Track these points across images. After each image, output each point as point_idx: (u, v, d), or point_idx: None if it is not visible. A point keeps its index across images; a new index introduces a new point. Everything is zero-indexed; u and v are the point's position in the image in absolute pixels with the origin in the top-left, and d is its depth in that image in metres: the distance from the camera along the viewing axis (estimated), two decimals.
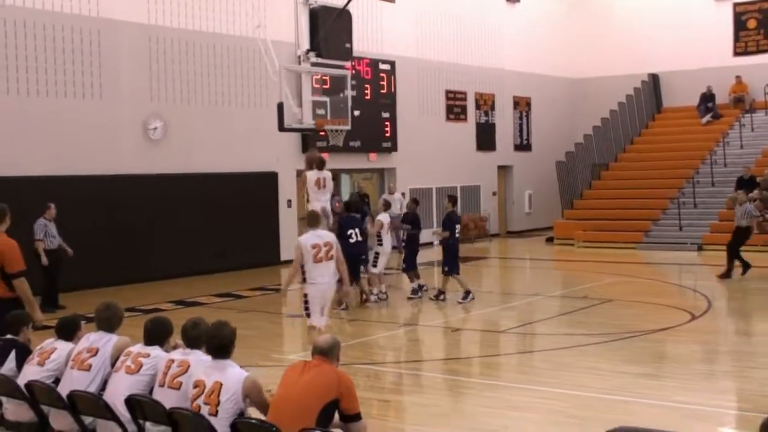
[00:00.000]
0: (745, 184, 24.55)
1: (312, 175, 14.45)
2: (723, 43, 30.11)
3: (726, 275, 17.80)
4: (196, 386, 5.59)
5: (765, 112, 28.53)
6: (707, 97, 29.86)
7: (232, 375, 5.61)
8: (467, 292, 15.56)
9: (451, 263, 15.69)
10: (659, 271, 20.89)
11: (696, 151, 27.89)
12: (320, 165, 14.64)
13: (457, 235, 15.90)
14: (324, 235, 10.24)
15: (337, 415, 5.61)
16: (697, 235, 23.88)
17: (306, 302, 10.39)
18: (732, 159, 26.75)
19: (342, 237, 14.15)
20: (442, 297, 15.70)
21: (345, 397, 5.55)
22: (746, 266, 17.90)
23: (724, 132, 28.64)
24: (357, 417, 5.63)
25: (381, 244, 15.97)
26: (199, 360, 5.82)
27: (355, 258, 14.69)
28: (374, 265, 15.90)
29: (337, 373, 5.66)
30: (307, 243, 10.03)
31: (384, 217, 16.07)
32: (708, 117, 29.60)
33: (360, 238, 15.05)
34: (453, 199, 16.30)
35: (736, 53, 30.10)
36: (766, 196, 23.03)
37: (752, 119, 28.35)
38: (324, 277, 10.15)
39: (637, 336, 12.21)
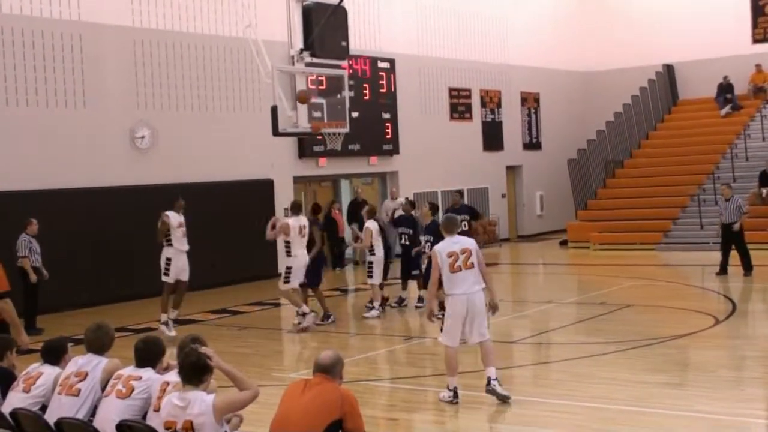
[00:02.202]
0: None
1: (294, 223, 14.44)
2: (741, 30, 30.11)
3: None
4: (167, 428, 5.49)
5: None
6: (725, 88, 29.86)
7: (198, 409, 5.46)
8: (419, 299, 15.81)
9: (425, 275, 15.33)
10: (680, 273, 20.87)
11: (715, 144, 27.89)
12: (296, 210, 14.63)
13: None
14: (462, 242, 9.68)
15: None
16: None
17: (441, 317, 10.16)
18: (754, 152, 26.74)
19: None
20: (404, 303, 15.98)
21: (349, 416, 5.56)
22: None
23: (744, 124, 28.65)
24: None
25: (373, 253, 15.83)
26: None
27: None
28: (370, 276, 15.86)
29: (340, 391, 5.67)
30: (443, 251, 9.58)
31: (372, 225, 15.92)
32: (727, 108, 29.61)
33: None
34: (434, 207, 15.86)
35: (755, 40, 30.11)
36: None
37: None
38: (463, 287, 9.50)
39: (658, 343, 12.20)
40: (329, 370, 5.74)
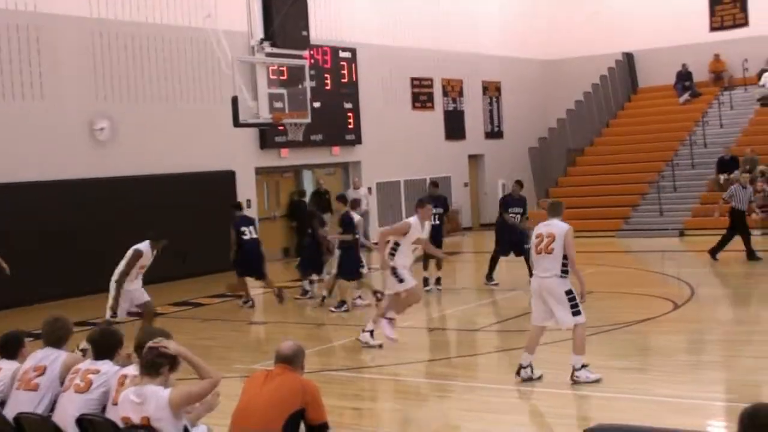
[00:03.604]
0: (726, 165, 24.88)
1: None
2: (698, 19, 30.39)
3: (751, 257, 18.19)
4: (124, 423, 5.45)
5: (744, 89, 28.89)
6: (684, 75, 30.15)
7: (155, 404, 5.41)
8: (342, 302, 15.21)
9: (343, 268, 15.32)
10: (641, 259, 21.06)
11: (674, 132, 28.16)
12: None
13: (357, 236, 15.51)
14: (553, 225, 9.65)
15: (303, 426, 5.60)
16: (679, 220, 24.13)
17: None
18: (712, 139, 27.04)
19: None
20: (344, 307, 15.23)
21: (311, 406, 5.54)
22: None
23: (703, 111, 28.96)
24: (324, 427, 5.62)
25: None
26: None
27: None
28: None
29: (301, 381, 5.65)
30: (534, 232, 9.76)
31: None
32: (686, 96, 29.90)
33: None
34: (344, 199, 16.04)
35: (713, 28, 30.41)
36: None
37: (731, 97, 28.70)
38: (538, 270, 9.65)
39: (618, 328, 12.30)
40: (291, 360, 5.72)
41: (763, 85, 28.24)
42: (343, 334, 13.28)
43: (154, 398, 5.43)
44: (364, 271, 15.77)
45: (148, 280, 19.18)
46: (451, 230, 27.33)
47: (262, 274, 16.17)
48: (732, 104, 28.48)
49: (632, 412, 8.37)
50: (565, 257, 9.46)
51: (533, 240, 9.74)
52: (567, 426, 8.21)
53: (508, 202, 17.31)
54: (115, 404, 5.75)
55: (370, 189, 25.54)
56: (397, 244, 11.70)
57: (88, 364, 6.13)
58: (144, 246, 12.63)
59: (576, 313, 9.54)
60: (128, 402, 5.49)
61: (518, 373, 9.61)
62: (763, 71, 28.75)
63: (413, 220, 11.92)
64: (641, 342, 11.83)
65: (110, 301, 12.45)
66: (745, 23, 29.81)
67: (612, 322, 12.65)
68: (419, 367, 11.02)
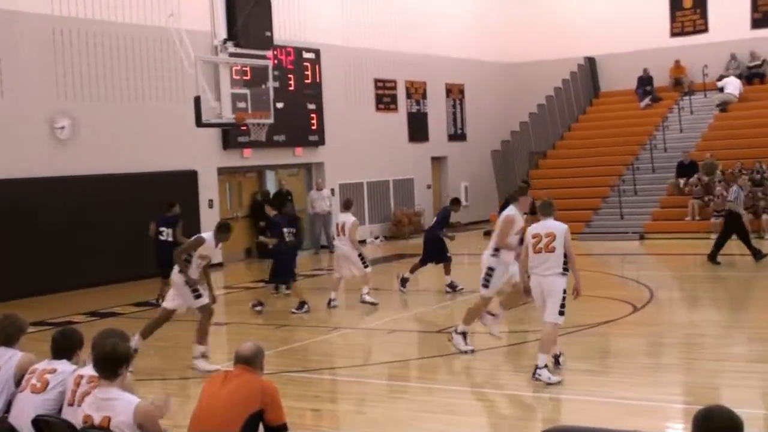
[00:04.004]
0: (686, 169, 25.16)
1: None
2: (660, 24, 30.71)
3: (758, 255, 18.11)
4: (84, 422, 5.38)
5: (704, 94, 29.21)
6: (645, 80, 30.45)
7: (121, 407, 5.34)
8: (258, 303, 15.29)
9: (278, 273, 15.39)
10: (601, 262, 21.20)
11: (635, 136, 28.40)
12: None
13: (289, 239, 15.39)
14: (550, 226, 9.96)
15: (262, 427, 5.58)
16: (639, 223, 24.34)
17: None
18: (672, 144, 27.31)
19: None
20: (305, 308, 15.11)
21: (270, 407, 5.52)
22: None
23: (663, 116, 29.24)
24: (283, 428, 5.61)
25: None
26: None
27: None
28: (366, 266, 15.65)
29: (260, 382, 5.63)
30: (528, 232, 10.09)
31: (350, 218, 15.71)
32: (647, 100, 30.18)
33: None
34: (271, 203, 16.13)
35: (673, 34, 30.73)
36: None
37: (691, 102, 29.00)
38: (538, 269, 9.87)
39: (578, 331, 12.37)
40: (250, 361, 5.70)
41: (722, 89, 28.60)
42: (302, 336, 13.25)
43: (121, 401, 5.36)
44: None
45: (110, 280, 19.11)
46: (412, 232, 27.41)
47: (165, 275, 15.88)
48: (692, 109, 28.79)
49: (591, 414, 8.44)
50: (564, 255, 9.71)
51: (530, 240, 9.93)
52: (526, 428, 8.26)
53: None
54: (71, 405, 5.69)
55: (333, 190, 25.51)
56: None
57: (45, 364, 6.06)
58: (208, 235, 11.45)
59: (561, 313, 9.80)
60: (93, 398, 5.43)
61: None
62: (722, 77, 29.12)
63: (513, 211, 11.56)
64: (601, 344, 11.92)
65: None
66: (705, 29, 30.15)
67: (572, 325, 12.71)
68: (379, 369, 11.02)
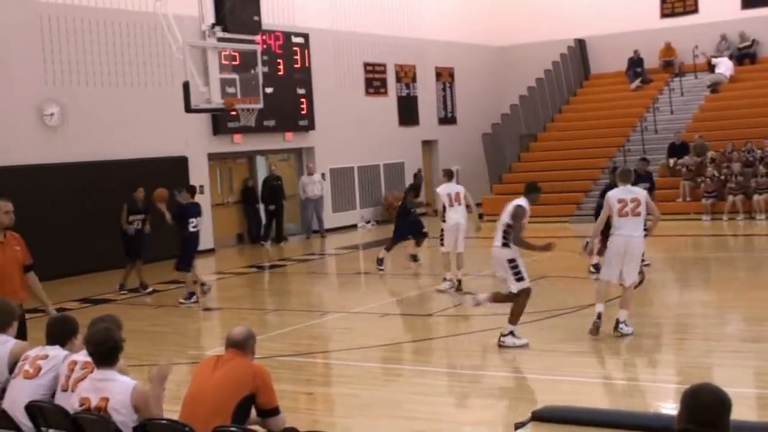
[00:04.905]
0: (677, 150, 25.22)
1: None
2: (649, 5, 30.71)
3: None
4: (81, 404, 5.41)
5: (694, 75, 29.24)
6: (635, 62, 30.46)
7: (119, 388, 5.38)
8: (191, 294, 15.01)
9: (181, 258, 15.27)
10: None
11: (626, 118, 28.44)
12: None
13: (194, 228, 15.25)
14: (634, 191, 10.88)
15: (254, 411, 5.60)
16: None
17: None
18: (663, 125, 27.36)
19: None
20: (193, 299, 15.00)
21: (261, 391, 5.55)
22: None
23: (653, 97, 29.27)
24: (275, 411, 5.63)
25: (444, 221, 15.44)
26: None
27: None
28: (442, 244, 15.39)
29: (252, 366, 5.65)
30: (614, 197, 10.82)
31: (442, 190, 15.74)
32: (637, 82, 30.20)
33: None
34: (191, 189, 15.98)
35: (663, 15, 30.73)
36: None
37: (681, 83, 29.03)
38: (625, 230, 10.71)
39: (570, 312, 12.44)
40: (241, 345, 5.72)
41: (714, 66, 28.60)
42: (295, 321, 13.28)
43: (118, 382, 5.41)
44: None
45: (103, 266, 19.09)
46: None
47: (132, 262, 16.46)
48: (682, 91, 28.83)
49: (582, 395, 8.49)
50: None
51: (616, 205, 10.72)
52: (517, 408, 8.30)
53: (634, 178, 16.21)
54: (65, 390, 5.71)
55: (323, 175, 25.51)
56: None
57: (38, 350, 6.07)
58: (524, 201, 10.90)
59: (640, 272, 11.03)
60: (89, 381, 5.46)
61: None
62: (712, 58, 29.15)
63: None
64: (591, 326, 11.94)
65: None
66: (695, 10, 30.17)
67: (564, 307, 12.81)
68: (371, 353, 11.06)
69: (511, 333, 10.54)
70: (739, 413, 4.07)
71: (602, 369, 9.55)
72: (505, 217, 10.69)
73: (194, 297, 14.96)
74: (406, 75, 28.99)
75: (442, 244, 15.35)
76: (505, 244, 10.63)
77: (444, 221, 15.24)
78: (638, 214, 10.70)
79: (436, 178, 30.31)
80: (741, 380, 8.87)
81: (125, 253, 16.61)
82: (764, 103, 26.42)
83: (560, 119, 30.63)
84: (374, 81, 27.74)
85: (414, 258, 17.80)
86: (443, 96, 30.75)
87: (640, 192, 10.94)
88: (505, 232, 10.67)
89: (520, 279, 10.58)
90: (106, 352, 5.46)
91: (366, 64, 27.42)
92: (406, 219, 17.86)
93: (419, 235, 17.83)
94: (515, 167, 28.61)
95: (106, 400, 5.32)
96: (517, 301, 10.56)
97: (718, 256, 18.03)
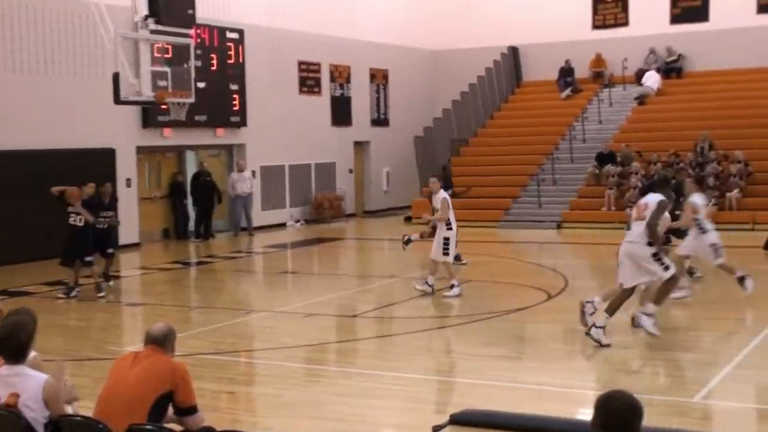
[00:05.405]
0: (605, 159, 25.67)
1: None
2: (582, 16, 31.16)
3: None
4: None
5: (623, 87, 29.78)
6: (566, 71, 30.89)
7: (29, 383, 5.25)
8: (71, 288, 14.92)
9: (65, 250, 15.08)
10: (518, 250, 21.52)
11: (556, 126, 28.83)
12: None
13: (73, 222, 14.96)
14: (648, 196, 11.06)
15: (171, 409, 5.54)
16: (557, 212, 24.73)
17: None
18: (591, 135, 27.81)
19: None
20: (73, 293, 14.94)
21: (180, 388, 5.48)
22: None
23: (582, 107, 29.72)
24: (193, 410, 5.56)
25: (450, 228, 14.35)
26: None
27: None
28: (446, 253, 14.36)
29: (171, 363, 5.58)
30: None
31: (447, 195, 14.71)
32: (567, 91, 30.64)
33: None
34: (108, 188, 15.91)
35: (595, 26, 31.22)
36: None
37: (610, 94, 29.54)
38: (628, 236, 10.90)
39: (495, 317, 12.56)
40: (161, 341, 5.64)
41: (643, 84, 29.19)
42: (219, 318, 13.16)
43: (28, 377, 5.28)
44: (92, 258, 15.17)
45: (22, 258, 18.69)
46: (333, 216, 27.43)
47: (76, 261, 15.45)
48: (611, 101, 29.33)
49: (501, 399, 8.57)
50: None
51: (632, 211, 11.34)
52: (438, 411, 8.35)
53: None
54: None
55: (254, 172, 25.35)
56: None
57: None
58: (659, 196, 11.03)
59: (666, 268, 10.73)
60: None
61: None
62: (641, 71, 29.72)
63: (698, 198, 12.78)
64: (514, 330, 12.09)
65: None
66: (626, 23, 30.73)
67: (488, 311, 12.92)
68: (295, 353, 11.03)
69: (651, 316, 10.87)
70: (651, 420, 4.15)
71: (522, 374, 9.65)
72: (649, 213, 10.81)
73: (74, 292, 14.80)
74: (341, 75, 28.97)
75: (446, 253, 14.41)
76: (650, 243, 10.81)
77: (449, 229, 14.44)
78: (643, 218, 10.88)
79: (367, 180, 30.42)
80: (655, 388, 9.06)
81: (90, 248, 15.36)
82: (689, 116, 27.06)
83: (492, 125, 30.91)
84: (308, 80, 27.66)
85: (457, 258, 17.05)
86: (377, 97, 30.79)
87: (654, 198, 11.00)
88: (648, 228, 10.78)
89: (666, 267, 10.80)
90: (13, 347, 5.31)
91: (300, 63, 27.32)
92: None
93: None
94: None
95: (17, 396, 5.20)
96: (667, 286, 10.95)
97: None
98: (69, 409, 5.53)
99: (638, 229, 10.72)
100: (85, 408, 5.57)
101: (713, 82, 29.00)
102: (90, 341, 11.61)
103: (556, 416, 7.43)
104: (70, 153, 19.99)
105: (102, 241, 15.50)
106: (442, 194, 14.41)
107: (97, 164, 20.38)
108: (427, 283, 14.41)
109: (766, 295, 13.27)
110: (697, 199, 13.18)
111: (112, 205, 16.17)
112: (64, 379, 5.56)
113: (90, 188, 15.55)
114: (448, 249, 14.31)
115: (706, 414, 8.45)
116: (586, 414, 8.21)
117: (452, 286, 14.17)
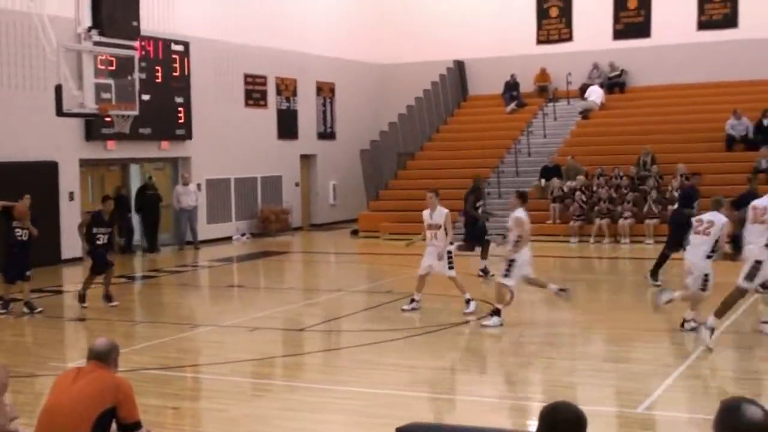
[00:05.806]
0: (550, 172, 25.94)
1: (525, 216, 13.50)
2: (527, 32, 31.50)
3: None
4: None
5: (567, 101, 30.12)
6: (511, 86, 31.20)
7: None
8: (7, 302, 14.75)
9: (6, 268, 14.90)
10: (465, 263, 21.56)
11: (501, 140, 29.06)
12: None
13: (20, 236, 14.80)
14: (714, 215, 11.66)
15: (114, 425, 5.47)
16: (503, 225, 24.80)
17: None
18: (536, 148, 28.07)
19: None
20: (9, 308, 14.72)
21: (123, 404, 5.42)
22: None
23: (528, 121, 30.01)
24: (136, 426, 5.51)
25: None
26: None
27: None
28: (507, 276, 13.60)
29: (114, 378, 5.52)
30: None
31: (523, 214, 13.51)
32: (512, 105, 30.93)
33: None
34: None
35: (539, 41, 31.59)
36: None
37: (555, 108, 29.86)
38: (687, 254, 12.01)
39: (441, 330, 12.60)
40: (103, 357, 5.58)
41: (586, 98, 29.58)
42: (163, 333, 13.02)
43: None
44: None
45: None
46: (280, 229, 27.33)
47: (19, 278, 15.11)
48: (555, 115, 29.65)
49: (449, 412, 8.60)
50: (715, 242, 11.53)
51: (694, 223, 11.93)
52: (384, 425, 8.34)
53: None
54: None
55: (199, 185, 25.17)
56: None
57: None
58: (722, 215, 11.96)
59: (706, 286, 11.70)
60: None
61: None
62: (585, 85, 30.11)
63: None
64: (461, 343, 12.16)
65: None
66: (569, 38, 31.15)
67: (436, 324, 12.96)
68: (240, 367, 10.95)
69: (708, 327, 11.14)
70: (596, 430, 4.19)
71: (468, 386, 9.70)
72: (717, 230, 11.60)
73: (10, 306, 14.63)
74: (287, 88, 28.92)
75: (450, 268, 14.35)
76: (709, 256, 11.74)
77: (452, 243, 14.54)
78: (708, 234, 11.61)
79: (313, 193, 30.38)
80: (600, 399, 9.15)
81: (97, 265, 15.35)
82: (631, 131, 27.44)
83: (438, 138, 31.06)
84: (254, 93, 27.57)
85: (485, 272, 17.54)
86: (323, 111, 30.78)
87: (720, 218, 11.67)
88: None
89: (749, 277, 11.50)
90: None
91: (246, 76, 27.21)
92: (475, 226, 17.93)
93: (485, 243, 18.12)
94: (392, 184, 28.85)
95: None
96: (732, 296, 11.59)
97: (584, 278, 18.56)
98: (10, 428, 5.44)
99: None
100: (26, 425, 5.48)
101: (655, 96, 29.49)
102: (32, 357, 11.42)
103: (502, 428, 7.47)
104: (11, 166, 19.66)
105: (102, 256, 15.32)
106: (518, 212, 13.50)
107: (39, 177, 20.11)
108: (413, 299, 14.33)
109: (709, 306, 13.47)
110: None
111: (113, 222, 15.98)
112: (2, 398, 5.46)
113: (27, 200, 15.30)
114: (452, 263, 14.30)
115: (649, 424, 8.56)
116: (532, 426, 8.29)
117: (468, 302, 13.93)
